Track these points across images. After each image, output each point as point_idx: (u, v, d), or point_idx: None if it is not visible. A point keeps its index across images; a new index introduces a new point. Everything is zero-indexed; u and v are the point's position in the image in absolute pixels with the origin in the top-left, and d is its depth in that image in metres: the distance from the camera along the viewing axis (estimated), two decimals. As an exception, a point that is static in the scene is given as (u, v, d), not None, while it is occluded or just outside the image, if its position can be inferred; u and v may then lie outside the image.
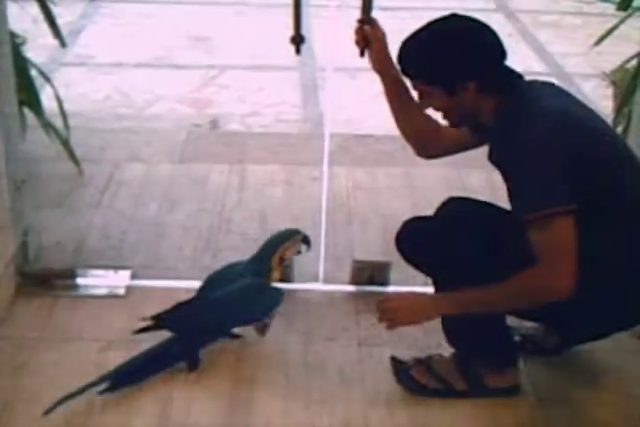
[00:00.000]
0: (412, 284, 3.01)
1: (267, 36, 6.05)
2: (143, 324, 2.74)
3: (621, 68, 4.17)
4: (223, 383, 2.68)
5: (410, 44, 2.47)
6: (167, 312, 2.76)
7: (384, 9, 6.12)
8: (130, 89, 5.27)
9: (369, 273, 3.17)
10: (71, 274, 3.18)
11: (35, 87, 3.73)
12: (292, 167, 4.04)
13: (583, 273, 2.26)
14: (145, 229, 3.53)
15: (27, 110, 3.74)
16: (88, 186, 3.86)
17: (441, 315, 2.50)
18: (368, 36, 2.66)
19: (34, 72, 3.82)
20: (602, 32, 4.19)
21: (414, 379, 2.68)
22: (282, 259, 2.87)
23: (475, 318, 2.41)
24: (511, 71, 2.48)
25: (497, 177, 2.45)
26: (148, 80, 5.47)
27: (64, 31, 4.05)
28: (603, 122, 2.49)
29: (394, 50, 2.53)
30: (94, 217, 3.61)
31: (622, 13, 4.01)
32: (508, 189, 2.37)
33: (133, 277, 3.18)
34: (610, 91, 4.50)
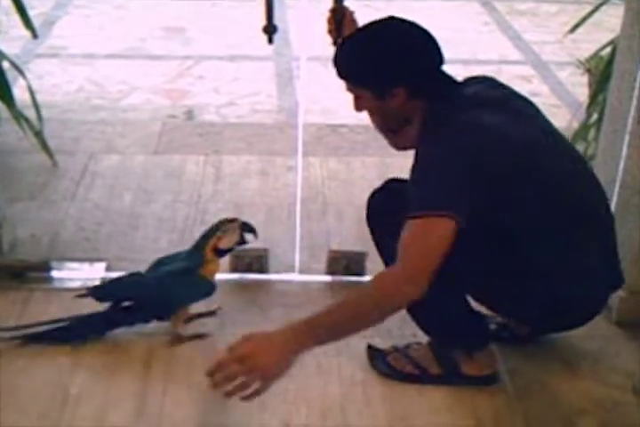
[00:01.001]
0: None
1: (241, 26, 6.03)
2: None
3: (596, 55, 4.18)
4: (198, 376, 2.67)
5: (343, 46, 2.48)
6: (100, 284, 2.91)
7: (359, -2, 6.14)
8: (104, 80, 5.24)
9: (345, 263, 3.17)
10: (46, 266, 3.16)
11: (6, 79, 3.69)
12: (267, 157, 4.03)
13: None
14: (120, 221, 3.51)
15: (-1, 103, 3.72)
16: (62, 178, 3.84)
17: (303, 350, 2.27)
18: (340, 26, 2.66)
19: (6, 64, 3.79)
20: (577, 20, 4.19)
21: (390, 364, 2.69)
22: (217, 249, 2.82)
23: (438, 301, 2.36)
24: (447, 78, 2.45)
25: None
26: (123, 71, 5.44)
27: (37, 22, 4.04)
28: (538, 130, 2.47)
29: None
30: (69, 209, 3.59)
31: (597, 1, 4.02)
32: None
33: (108, 269, 3.16)
34: (585, 78, 4.51)
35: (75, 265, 3.21)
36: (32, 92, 3.84)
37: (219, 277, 2.95)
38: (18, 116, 3.75)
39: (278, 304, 3.00)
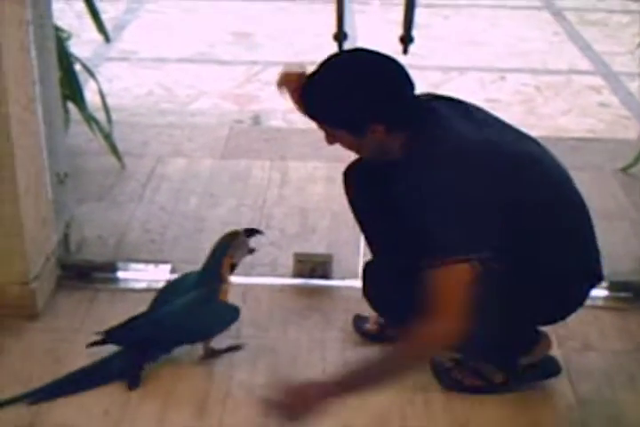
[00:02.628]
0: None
1: (309, 32, 6.05)
2: (96, 338, 2.71)
3: (667, 67, 4.14)
4: (259, 379, 2.69)
5: (311, 87, 2.36)
6: (117, 327, 2.71)
7: (427, 6, 6.13)
8: (173, 84, 5.28)
9: (310, 266, 3.17)
10: (112, 267, 3.20)
11: (78, 82, 3.76)
12: (333, 164, 4.02)
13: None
14: (185, 224, 3.54)
15: (70, 105, 3.77)
16: (130, 180, 3.88)
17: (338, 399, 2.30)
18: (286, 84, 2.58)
19: (78, 67, 3.85)
20: (648, 31, 4.16)
21: (455, 378, 2.67)
22: (232, 266, 2.74)
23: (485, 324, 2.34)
24: (420, 102, 2.38)
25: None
26: (191, 75, 5.48)
27: (108, 26, 4.08)
28: (513, 134, 2.44)
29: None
30: (135, 211, 3.62)
31: (669, 12, 3.98)
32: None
33: (173, 271, 3.18)
34: (656, 90, 4.46)
35: (140, 266, 3.24)
36: (102, 95, 3.89)
37: (282, 281, 2.97)
38: (88, 118, 3.80)
39: (341, 310, 3.00)
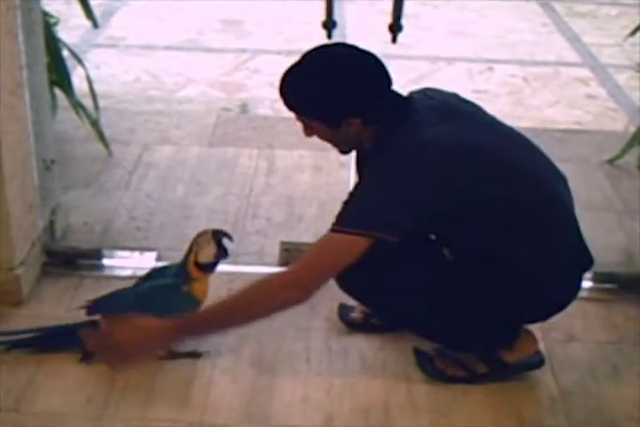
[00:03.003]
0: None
1: (298, 20, 6.04)
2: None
3: (656, 59, 4.15)
4: (243, 367, 2.70)
5: (289, 79, 2.39)
6: (98, 298, 2.76)
7: (418, -4, 6.12)
8: (160, 71, 5.27)
9: (297, 255, 3.13)
10: (97, 254, 3.20)
11: (66, 68, 3.74)
12: (320, 153, 4.03)
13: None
14: (172, 212, 3.53)
15: (57, 91, 3.75)
16: (117, 167, 3.88)
17: (176, 340, 2.45)
18: None
19: (65, 53, 3.83)
20: (637, 23, 4.15)
21: (438, 368, 2.67)
22: (198, 264, 2.71)
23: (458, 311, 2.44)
24: (397, 97, 2.42)
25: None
26: (179, 63, 5.47)
27: (97, 12, 4.06)
28: (493, 129, 2.47)
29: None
30: (122, 198, 3.62)
31: (659, 5, 3.99)
32: None
33: (159, 258, 3.19)
34: (643, 82, 4.47)
35: (126, 254, 3.24)
36: (90, 82, 3.88)
37: (269, 270, 2.97)
38: (75, 104, 3.79)
39: (326, 299, 2.99)
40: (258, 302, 2.39)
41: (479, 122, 2.48)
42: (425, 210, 2.31)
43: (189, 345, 2.72)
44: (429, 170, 2.29)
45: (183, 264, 2.73)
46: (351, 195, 2.37)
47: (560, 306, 2.57)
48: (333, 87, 2.32)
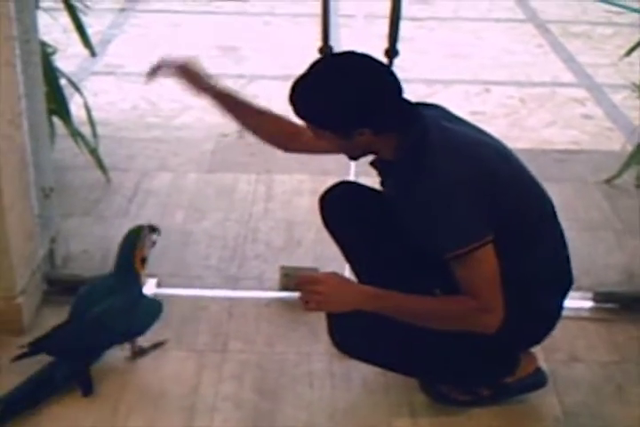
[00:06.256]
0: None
1: (295, 46, 6.06)
2: (20, 351, 2.69)
3: (651, 79, 4.16)
4: (246, 394, 2.69)
5: (300, 88, 2.37)
6: (43, 337, 2.71)
7: (412, 19, 6.15)
8: (158, 98, 5.28)
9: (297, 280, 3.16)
10: (98, 282, 3.19)
11: (64, 96, 3.76)
12: (319, 177, 4.04)
13: None
14: (171, 238, 3.53)
15: (56, 119, 3.76)
16: (116, 194, 3.88)
17: (370, 306, 2.38)
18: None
19: (63, 81, 3.85)
20: (632, 43, 4.17)
21: (442, 393, 2.66)
22: (143, 260, 2.79)
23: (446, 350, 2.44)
24: (408, 105, 2.40)
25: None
26: (177, 89, 5.47)
27: (94, 41, 4.08)
28: (496, 143, 2.48)
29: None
30: (121, 225, 3.60)
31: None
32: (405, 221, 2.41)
33: (159, 285, 3.19)
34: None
35: (126, 281, 3.23)
36: (88, 110, 3.90)
37: (269, 295, 2.97)
38: (74, 132, 3.80)
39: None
40: (455, 318, 2.36)
41: (475, 126, 2.50)
42: (489, 205, 2.31)
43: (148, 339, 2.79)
44: (475, 167, 2.31)
45: (125, 268, 2.76)
46: (431, 222, 2.30)
47: (549, 328, 2.57)
48: (342, 97, 2.28)
